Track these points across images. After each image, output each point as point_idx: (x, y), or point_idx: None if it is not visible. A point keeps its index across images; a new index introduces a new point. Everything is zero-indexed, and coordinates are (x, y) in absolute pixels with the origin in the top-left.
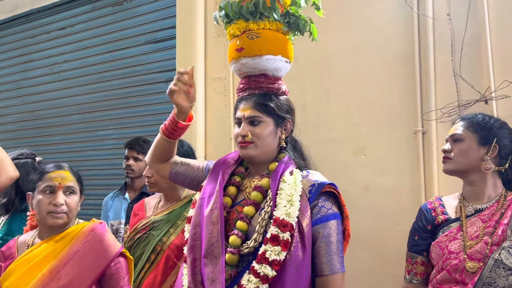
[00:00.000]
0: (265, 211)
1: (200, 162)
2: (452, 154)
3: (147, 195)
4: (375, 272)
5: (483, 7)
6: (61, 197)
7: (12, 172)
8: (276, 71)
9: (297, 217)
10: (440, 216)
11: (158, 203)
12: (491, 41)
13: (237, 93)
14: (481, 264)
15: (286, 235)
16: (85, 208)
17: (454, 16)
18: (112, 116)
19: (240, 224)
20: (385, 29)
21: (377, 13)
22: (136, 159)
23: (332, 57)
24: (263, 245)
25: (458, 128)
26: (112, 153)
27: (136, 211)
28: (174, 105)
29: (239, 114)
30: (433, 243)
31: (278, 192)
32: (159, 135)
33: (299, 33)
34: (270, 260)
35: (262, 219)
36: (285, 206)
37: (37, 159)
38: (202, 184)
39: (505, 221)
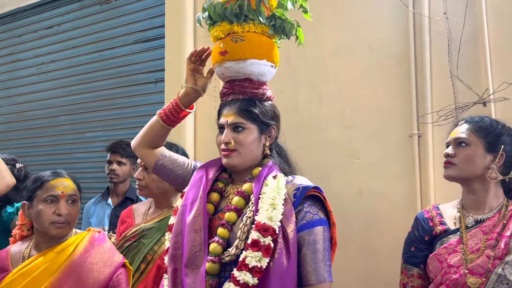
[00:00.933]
0: (247, 217)
1: (187, 160)
2: (456, 159)
3: (131, 200)
4: (367, 280)
5: (481, 6)
6: (64, 207)
7: (9, 179)
8: (261, 75)
9: (281, 222)
10: (438, 227)
11: (148, 210)
12: (489, 41)
13: (220, 97)
14: (484, 279)
15: (268, 240)
16: None
17: (451, 15)
18: (100, 117)
19: (221, 231)
20: (380, 29)
21: (371, 12)
22: (120, 163)
23: (326, 57)
24: (244, 251)
25: (463, 131)
26: (100, 156)
27: (124, 218)
28: (182, 87)
29: (221, 120)
30: (431, 255)
31: (260, 196)
32: (154, 119)
33: (285, 37)
34: (250, 266)
35: (244, 224)
36: (267, 210)
37: (18, 165)
38: (184, 191)
39: (508, 233)
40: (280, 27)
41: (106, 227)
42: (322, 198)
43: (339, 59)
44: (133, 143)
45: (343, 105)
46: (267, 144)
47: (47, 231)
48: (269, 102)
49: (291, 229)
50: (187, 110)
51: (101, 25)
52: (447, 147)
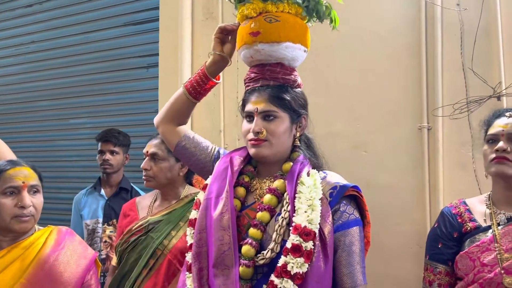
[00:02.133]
0: (282, 217)
1: (210, 144)
2: (511, 155)
3: (126, 190)
4: (374, 273)
5: None
6: (27, 198)
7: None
8: (293, 60)
9: (319, 223)
10: (468, 224)
11: (154, 203)
12: (503, 34)
13: (246, 82)
14: None
15: (309, 245)
16: (58, 202)
17: (464, 6)
18: (86, 103)
19: (253, 232)
20: (391, 18)
21: (382, 0)
22: (112, 152)
23: (333, 46)
24: (282, 256)
25: None
26: (85, 144)
27: (127, 211)
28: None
29: (250, 107)
30: (461, 253)
31: (296, 195)
32: (179, 92)
33: (317, 20)
34: (292, 273)
35: (279, 226)
36: (305, 212)
37: None
38: (206, 183)
39: None
40: (314, 9)
41: (101, 219)
42: (360, 196)
43: (347, 48)
44: (156, 119)
45: (350, 96)
46: (298, 134)
47: (9, 227)
48: (300, 89)
49: (328, 230)
50: (214, 80)
51: (89, 5)
52: (490, 139)
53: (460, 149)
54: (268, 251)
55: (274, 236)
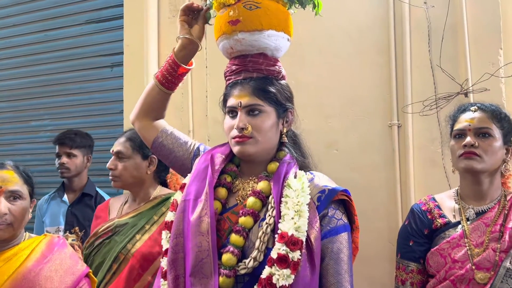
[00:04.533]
0: (267, 223)
1: (190, 140)
2: (479, 150)
3: (90, 196)
4: None
5: None
6: (3, 205)
7: None
8: (276, 50)
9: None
10: (438, 220)
11: (124, 204)
12: (469, 32)
13: (226, 76)
14: (492, 273)
15: (297, 255)
16: None
17: (431, 4)
18: (47, 104)
19: (235, 238)
20: (359, 16)
21: None
22: (69, 155)
23: (302, 44)
24: (266, 266)
25: (482, 118)
26: (47, 147)
27: (98, 213)
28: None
29: (233, 102)
30: (432, 250)
31: (282, 199)
32: (151, 84)
33: (299, 6)
34: (278, 286)
35: (263, 233)
36: (292, 218)
37: None
38: (184, 182)
39: (511, 224)
40: None
41: (62, 227)
42: (349, 200)
43: (316, 46)
44: (131, 115)
45: (320, 94)
46: (285, 130)
47: None
48: (284, 81)
49: (315, 237)
50: (185, 66)
51: (49, 1)
52: (457, 135)
53: (430, 145)
54: (251, 260)
55: (257, 243)
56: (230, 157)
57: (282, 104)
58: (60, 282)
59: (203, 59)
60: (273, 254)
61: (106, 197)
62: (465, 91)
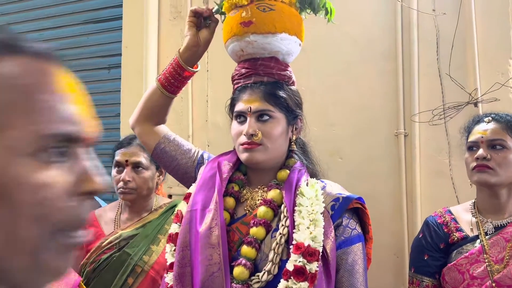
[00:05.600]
0: (280, 234)
1: (193, 147)
2: (492, 163)
3: None
4: None
5: (470, 4)
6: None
7: None
8: (287, 54)
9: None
10: (455, 234)
11: (119, 216)
12: (478, 40)
13: (235, 79)
14: None
15: (314, 267)
16: None
17: (440, 12)
18: None
19: (247, 250)
20: (367, 23)
21: (357, 3)
22: None
23: (307, 50)
24: (282, 280)
25: (496, 130)
26: None
27: (87, 227)
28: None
29: (242, 106)
30: (449, 265)
31: (296, 208)
32: (153, 87)
33: (311, 12)
34: None
35: (278, 244)
36: (308, 228)
37: None
38: (189, 192)
39: None
40: (308, 0)
41: None
42: (363, 209)
43: (322, 52)
44: (131, 119)
45: (325, 101)
46: (294, 138)
47: None
48: (295, 87)
49: (330, 247)
50: (191, 69)
51: (45, 1)
52: (470, 147)
53: (437, 156)
54: (264, 273)
55: (271, 255)
56: (237, 165)
57: (293, 111)
58: None
59: (204, 63)
60: (289, 267)
61: (103, 204)
62: (475, 100)
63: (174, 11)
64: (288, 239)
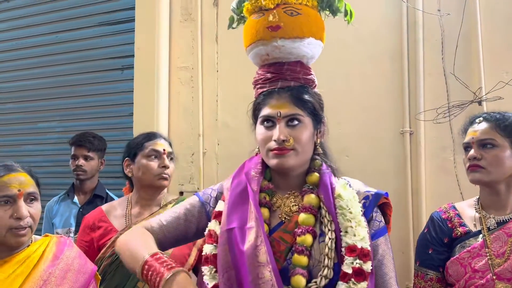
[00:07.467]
0: (329, 238)
1: (187, 204)
2: (483, 162)
3: (101, 198)
4: None
5: (475, 4)
6: (24, 208)
7: None
8: (312, 58)
9: None
10: (458, 229)
11: (130, 210)
12: (482, 40)
13: (259, 84)
14: None
15: (369, 266)
16: None
17: (445, 12)
18: (56, 106)
19: (299, 259)
20: (373, 22)
21: (364, 3)
22: (86, 158)
23: None
24: (340, 282)
25: (485, 130)
26: (55, 148)
27: (96, 223)
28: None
29: (270, 111)
30: (452, 259)
31: (338, 211)
32: (137, 258)
33: (329, 14)
34: None
35: (329, 249)
36: (355, 230)
37: None
38: (218, 210)
39: None
40: (327, 2)
41: (73, 229)
42: (389, 204)
43: (329, 51)
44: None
45: (332, 100)
46: (318, 141)
47: (4, 240)
48: (317, 90)
49: (370, 244)
50: None
51: (62, 3)
52: (466, 148)
53: (442, 153)
54: (321, 278)
55: (326, 261)
56: (263, 173)
57: (318, 114)
58: (74, 281)
59: (214, 63)
60: (347, 269)
61: (116, 199)
62: (479, 99)
63: (185, 13)
64: (336, 242)
